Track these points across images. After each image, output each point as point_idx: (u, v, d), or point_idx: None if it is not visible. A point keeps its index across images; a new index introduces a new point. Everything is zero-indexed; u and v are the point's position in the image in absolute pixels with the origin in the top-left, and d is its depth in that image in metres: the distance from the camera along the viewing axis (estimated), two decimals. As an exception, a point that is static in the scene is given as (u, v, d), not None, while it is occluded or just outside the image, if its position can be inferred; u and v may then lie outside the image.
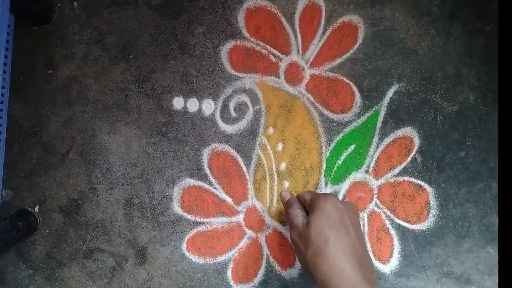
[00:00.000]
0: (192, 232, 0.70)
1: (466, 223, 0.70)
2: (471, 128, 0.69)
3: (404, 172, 0.70)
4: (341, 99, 0.70)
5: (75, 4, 0.70)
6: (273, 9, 0.69)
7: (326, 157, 0.70)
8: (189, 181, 0.70)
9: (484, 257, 0.69)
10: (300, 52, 0.69)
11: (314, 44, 0.69)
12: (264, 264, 0.70)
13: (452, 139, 0.70)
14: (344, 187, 0.70)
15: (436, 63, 0.69)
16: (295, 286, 0.70)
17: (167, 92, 0.70)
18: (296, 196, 0.58)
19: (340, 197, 0.70)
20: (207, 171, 0.70)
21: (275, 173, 0.70)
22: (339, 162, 0.70)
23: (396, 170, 0.70)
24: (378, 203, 0.70)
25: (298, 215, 0.51)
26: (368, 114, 0.70)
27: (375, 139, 0.70)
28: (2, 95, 0.66)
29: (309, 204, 0.51)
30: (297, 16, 0.69)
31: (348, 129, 0.70)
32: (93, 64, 0.70)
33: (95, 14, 0.70)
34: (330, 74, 0.69)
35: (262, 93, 0.70)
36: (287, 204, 0.57)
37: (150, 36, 0.70)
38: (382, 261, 0.70)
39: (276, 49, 0.69)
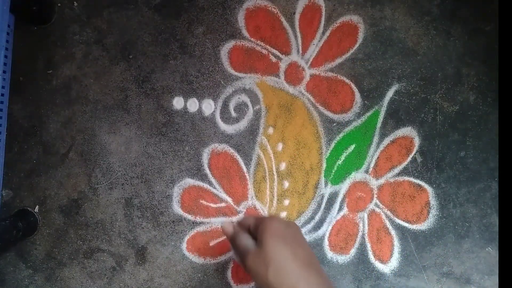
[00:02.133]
0: (192, 232, 0.70)
1: (466, 223, 0.70)
2: (471, 128, 0.69)
3: (404, 172, 0.70)
4: (341, 99, 0.70)
5: (75, 4, 0.70)
6: (273, 9, 0.69)
7: (326, 157, 0.70)
8: (189, 181, 0.70)
9: (484, 257, 0.69)
10: (300, 52, 0.69)
11: (314, 44, 0.69)
12: (264, 264, 0.70)
13: (452, 139, 0.70)
14: (344, 187, 0.70)
15: (436, 63, 0.69)
16: (295, 286, 0.70)
17: (167, 92, 0.70)
18: (238, 223, 0.56)
19: (340, 197, 0.70)
20: (207, 171, 0.70)
21: (275, 173, 0.70)
22: (339, 162, 0.70)
23: (396, 170, 0.70)
24: (378, 203, 0.70)
25: (246, 240, 0.50)
26: (368, 114, 0.70)
27: (375, 139, 0.70)
28: (2, 95, 0.66)
29: (254, 227, 0.51)
30: (297, 16, 0.69)
31: (348, 129, 0.70)
32: (93, 64, 0.70)
33: (95, 14, 0.70)
34: (330, 74, 0.69)
35: (262, 93, 0.70)
36: (232, 236, 0.54)
37: (150, 36, 0.70)
38: (382, 261, 0.70)
39: (276, 49, 0.69)
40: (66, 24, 0.70)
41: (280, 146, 0.70)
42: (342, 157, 0.70)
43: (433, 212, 0.70)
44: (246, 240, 0.50)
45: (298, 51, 0.69)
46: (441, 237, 0.70)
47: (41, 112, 0.70)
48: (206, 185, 0.70)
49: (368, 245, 0.70)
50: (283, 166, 0.70)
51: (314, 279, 0.44)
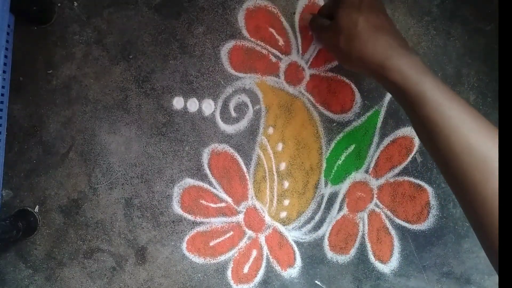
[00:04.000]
0: (192, 232, 0.70)
1: (466, 223, 0.69)
2: (471, 128, 0.69)
3: (404, 172, 0.70)
4: (341, 99, 0.70)
5: (75, 4, 0.70)
6: (273, 9, 0.69)
7: (326, 157, 0.70)
8: (189, 181, 0.70)
9: (484, 257, 0.69)
10: (300, 52, 0.69)
11: (314, 44, 0.69)
12: (264, 264, 0.70)
13: (452, 139, 0.69)
14: (344, 187, 0.70)
15: (436, 63, 0.69)
16: (295, 286, 0.70)
17: (167, 92, 0.70)
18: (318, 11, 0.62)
19: (340, 197, 0.70)
20: (207, 171, 0.70)
21: (275, 173, 0.70)
22: (339, 162, 0.70)
23: (396, 170, 0.70)
24: (378, 203, 0.70)
25: (322, 20, 0.57)
26: (368, 114, 0.70)
27: (375, 139, 0.70)
28: (2, 95, 0.66)
29: (331, 4, 0.55)
30: (297, 16, 0.69)
31: (348, 129, 0.70)
32: (93, 64, 0.70)
33: (95, 14, 0.70)
34: (330, 74, 0.69)
35: (262, 93, 0.70)
36: (311, 20, 0.62)
37: (150, 36, 0.70)
38: (382, 261, 0.70)
39: (276, 49, 0.69)
40: (66, 24, 0.70)
41: (280, 146, 0.70)
42: (342, 157, 0.70)
43: (433, 212, 0.70)
44: (321, 20, 0.57)
45: (298, 51, 0.69)
46: (441, 237, 0.70)
47: (41, 112, 0.70)
48: (206, 185, 0.70)
49: (368, 245, 0.70)
50: (283, 166, 0.70)
51: (384, 41, 0.45)
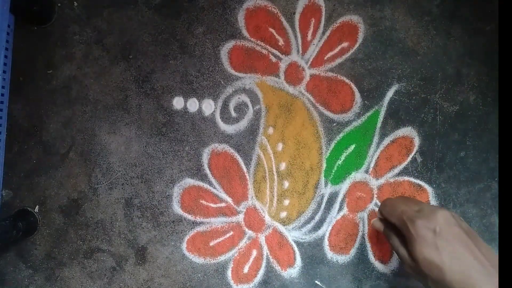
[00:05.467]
0: (192, 232, 0.70)
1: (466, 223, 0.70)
2: (471, 128, 0.69)
3: (404, 172, 0.70)
4: (341, 99, 0.70)
5: (75, 4, 0.70)
6: (273, 9, 0.69)
7: (326, 157, 0.70)
8: (189, 181, 0.70)
9: (484, 257, 0.69)
10: (300, 52, 0.69)
11: (314, 44, 0.69)
12: (264, 264, 0.70)
13: (452, 139, 0.70)
14: (344, 187, 0.70)
15: (436, 63, 0.69)
16: (295, 286, 0.70)
17: (167, 92, 0.70)
18: (383, 217, 0.56)
19: (340, 197, 0.70)
20: (207, 171, 0.70)
21: (275, 173, 0.70)
22: (339, 162, 0.70)
23: (396, 170, 0.70)
24: (378, 203, 0.70)
25: (399, 246, 0.51)
26: (368, 114, 0.70)
27: (375, 139, 0.70)
28: (2, 95, 0.66)
29: (400, 228, 0.50)
30: (297, 16, 0.69)
31: (348, 129, 0.70)
32: (93, 64, 0.70)
33: (95, 14, 0.70)
34: (330, 74, 0.69)
35: (262, 93, 0.70)
36: (385, 235, 0.57)
37: (150, 36, 0.70)
38: (382, 262, 0.70)
39: (276, 49, 0.69)
40: (66, 24, 0.70)
41: (280, 146, 0.70)
42: (342, 157, 0.70)
43: (433, 212, 0.70)
44: (398, 246, 0.51)
45: (298, 51, 0.69)
46: (441, 237, 0.70)
47: (41, 112, 0.70)
48: (206, 185, 0.70)
49: (368, 245, 0.70)
50: (283, 166, 0.70)
51: (479, 280, 0.39)
